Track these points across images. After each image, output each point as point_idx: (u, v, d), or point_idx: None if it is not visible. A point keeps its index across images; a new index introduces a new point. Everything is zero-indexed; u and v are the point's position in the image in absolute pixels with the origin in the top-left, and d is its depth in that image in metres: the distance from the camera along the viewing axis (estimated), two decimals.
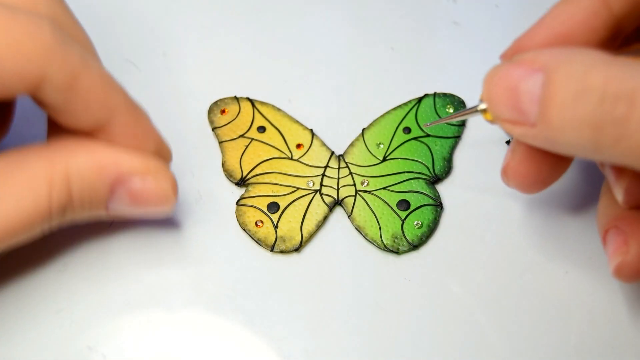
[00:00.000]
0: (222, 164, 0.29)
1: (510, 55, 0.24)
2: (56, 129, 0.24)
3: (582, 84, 0.19)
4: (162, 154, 0.26)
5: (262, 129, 0.30)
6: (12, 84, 0.21)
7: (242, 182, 0.29)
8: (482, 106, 0.23)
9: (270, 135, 0.30)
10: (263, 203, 0.28)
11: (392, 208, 0.28)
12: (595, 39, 0.24)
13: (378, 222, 0.28)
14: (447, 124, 0.30)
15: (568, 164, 0.25)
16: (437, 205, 0.28)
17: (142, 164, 0.24)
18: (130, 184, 0.24)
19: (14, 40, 0.21)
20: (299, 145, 0.30)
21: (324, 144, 0.30)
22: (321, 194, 0.29)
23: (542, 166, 0.24)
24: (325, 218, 0.28)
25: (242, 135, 0.30)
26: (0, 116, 0.26)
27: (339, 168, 0.29)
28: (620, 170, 0.23)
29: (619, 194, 0.23)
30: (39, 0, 0.23)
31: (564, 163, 0.24)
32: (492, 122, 0.23)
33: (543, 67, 0.20)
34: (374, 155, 0.29)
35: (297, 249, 0.27)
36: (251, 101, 0.31)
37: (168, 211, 0.25)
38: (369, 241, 0.28)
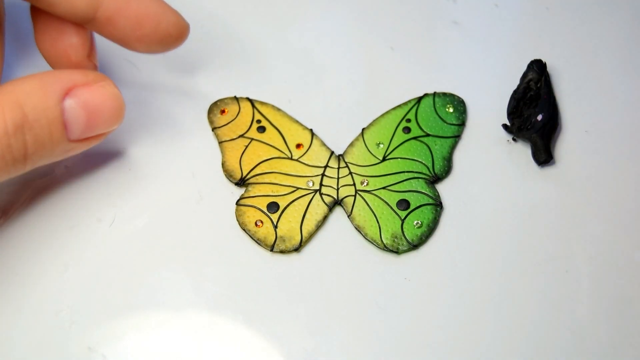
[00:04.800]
0: (222, 164, 0.29)
1: None
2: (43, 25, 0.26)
3: None
4: (177, 28, 0.26)
5: (261, 129, 0.30)
6: None
7: (242, 182, 0.29)
8: None
9: (270, 135, 0.30)
10: (263, 203, 0.28)
11: (391, 208, 0.28)
12: None
13: (378, 222, 0.28)
14: (447, 123, 0.30)
15: None
16: (437, 205, 0.28)
17: (82, 75, 0.25)
18: (77, 93, 0.24)
19: None
20: (298, 145, 0.30)
21: (323, 144, 0.30)
22: (321, 194, 0.29)
23: None
24: (325, 218, 0.28)
25: (241, 135, 0.30)
26: None
27: (338, 168, 0.29)
28: None
29: None
30: None
31: None
32: None
33: None
34: (373, 155, 0.29)
35: (296, 249, 0.27)
36: (251, 101, 0.31)
37: (120, 119, 0.26)
38: (369, 241, 0.28)
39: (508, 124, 0.30)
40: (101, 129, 0.25)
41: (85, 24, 0.26)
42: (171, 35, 0.26)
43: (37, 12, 0.27)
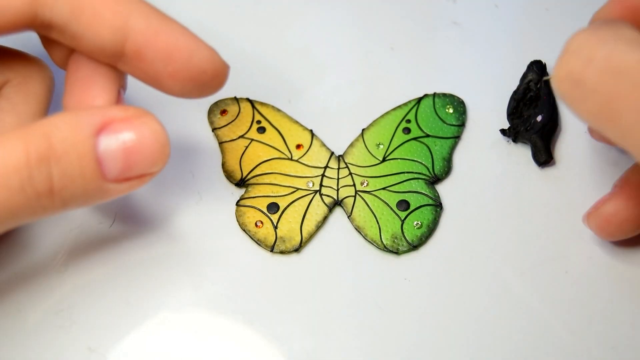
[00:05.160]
0: (222, 165, 0.29)
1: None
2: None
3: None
4: (211, 64, 0.24)
5: (261, 130, 0.30)
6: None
7: (242, 183, 0.29)
8: None
9: (270, 135, 0.30)
10: (263, 204, 0.28)
11: (391, 208, 0.28)
12: None
13: (378, 223, 0.28)
14: (446, 124, 0.30)
15: None
16: (437, 206, 0.28)
17: (122, 109, 0.23)
18: (115, 128, 0.22)
19: None
20: (298, 146, 0.30)
21: (323, 145, 0.30)
22: (321, 195, 0.29)
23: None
24: (325, 218, 0.28)
25: (242, 136, 0.30)
26: None
27: (338, 168, 0.29)
28: None
29: None
30: None
31: None
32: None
33: None
34: (373, 156, 0.29)
35: (296, 250, 0.27)
36: (251, 102, 0.31)
37: (163, 158, 0.23)
38: (369, 241, 0.28)
39: (506, 127, 0.30)
40: (142, 168, 0.23)
41: (115, 62, 0.24)
42: (205, 71, 0.24)
43: (63, 57, 0.25)
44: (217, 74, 0.25)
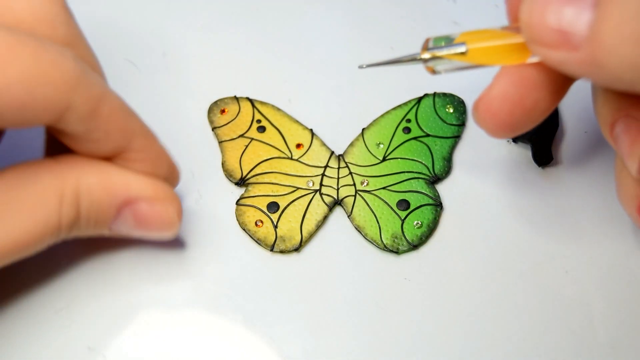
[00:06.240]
0: (222, 164, 0.29)
1: None
2: (55, 147, 0.24)
3: None
4: (173, 176, 0.26)
5: (262, 129, 0.30)
6: (39, 114, 0.21)
7: (242, 182, 0.29)
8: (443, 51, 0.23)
9: (270, 135, 0.30)
10: (263, 203, 0.28)
11: (391, 208, 0.28)
12: None
13: (378, 222, 0.28)
14: (447, 123, 0.30)
15: (549, 109, 0.23)
16: (437, 205, 0.28)
17: (151, 188, 0.24)
18: (136, 206, 0.24)
19: (42, 70, 0.21)
20: (298, 145, 0.30)
21: (323, 144, 0.30)
22: (321, 194, 0.29)
23: (521, 107, 0.23)
24: (325, 218, 0.28)
25: (242, 135, 0.30)
26: None
27: (338, 168, 0.29)
28: (635, 139, 0.22)
29: (633, 165, 0.23)
30: (57, 25, 0.23)
31: (545, 107, 0.23)
32: (432, 73, 0.24)
33: None
34: (373, 155, 0.29)
35: (296, 249, 0.27)
36: (251, 101, 0.31)
37: (171, 236, 0.26)
38: (369, 241, 0.28)
39: None
40: (142, 236, 0.26)
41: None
42: (166, 178, 0.26)
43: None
44: (173, 181, 0.26)
